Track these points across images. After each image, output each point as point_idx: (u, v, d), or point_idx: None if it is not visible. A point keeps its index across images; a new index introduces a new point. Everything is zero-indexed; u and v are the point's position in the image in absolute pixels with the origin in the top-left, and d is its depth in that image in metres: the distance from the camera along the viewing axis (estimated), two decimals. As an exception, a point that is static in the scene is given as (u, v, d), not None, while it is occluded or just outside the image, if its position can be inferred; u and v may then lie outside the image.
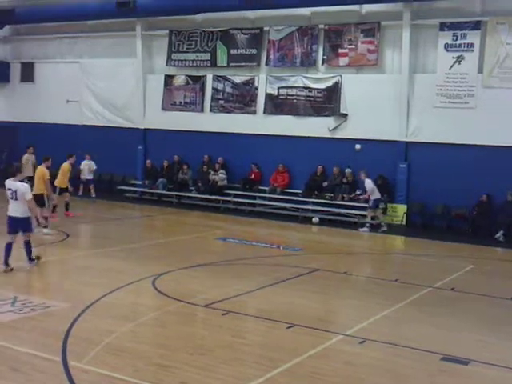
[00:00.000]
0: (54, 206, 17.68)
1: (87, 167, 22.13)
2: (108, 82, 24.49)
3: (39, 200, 15.06)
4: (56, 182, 17.93)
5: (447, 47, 18.90)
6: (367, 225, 18.67)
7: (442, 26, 18.93)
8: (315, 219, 19.40)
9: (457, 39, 18.75)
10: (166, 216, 20.39)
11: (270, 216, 20.40)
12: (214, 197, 21.66)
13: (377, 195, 18.62)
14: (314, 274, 12.64)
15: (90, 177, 22.22)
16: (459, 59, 18.76)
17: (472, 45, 18.56)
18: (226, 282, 11.50)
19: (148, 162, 23.34)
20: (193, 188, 22.33)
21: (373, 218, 18.90)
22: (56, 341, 7.93)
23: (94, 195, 21.79)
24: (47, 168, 16.35)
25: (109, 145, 24.15)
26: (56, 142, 23.53)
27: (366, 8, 20.06)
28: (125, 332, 8.49)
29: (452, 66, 18.84)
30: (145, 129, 24.16)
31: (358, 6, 20.03)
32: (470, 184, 18.30)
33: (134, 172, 23.95)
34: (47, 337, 8.17)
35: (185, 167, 22.64)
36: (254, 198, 21.45)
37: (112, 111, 24.66)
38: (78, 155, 20.88)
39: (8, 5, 25.24)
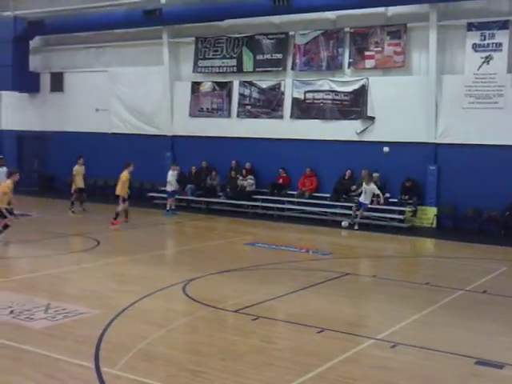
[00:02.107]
0: (118, 214, 18.22)
1: (173, 178, 21.32)
2: (136, 90, 24.74)
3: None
4: (116, 191, 18.49)
5: (475, 47, 18.71)
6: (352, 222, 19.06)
7: (470, 27, 18.75)
8: (344, 223, 19.30)
9: (485, 39, 18.55)
10: (195, 222, 20.49)
11: (298, 220, 20.38)
12: (242, 202, 21.71)
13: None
14: (344, 278, 12.59)
15: (174, 188, 21.37)
16: (488, 59, 18.56)
17: (500, 44, 18.34)
18: (255, 287, 11.52)
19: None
20: (221, 194, 22.42)
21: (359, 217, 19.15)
22: (89, 347, 8.02)
23: (173, 207, 21.28)
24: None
25: (137, 152, 24.32)
26: (86, 150, 23.75)
27: (392, 10, 19.96)
28: (156, 338, 8.55)
29: (480, 67, 18.64)
30: (172, 135, 24.34)
31: (383, 8, 19.97)
32: (501, 185, 18.06)
33: (162, 179, 24.08)
34: (80, 343, 8.27)
35: (213, 173, 22.74)
36: (283, 202, 21.44)
37: (140, 119, 24.90)
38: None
39: (37, 16, 25.78)
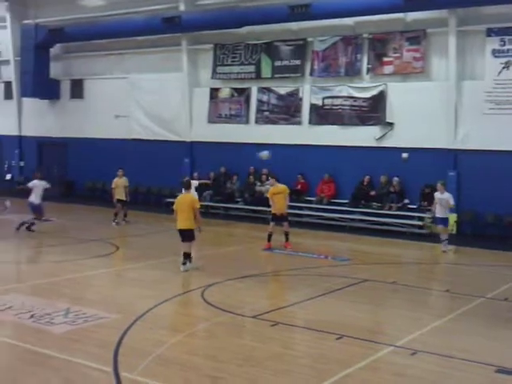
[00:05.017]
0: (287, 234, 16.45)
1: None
2: (155, 97, 24.88)
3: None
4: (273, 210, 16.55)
5: (495, 53, 18.57)
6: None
7: (489, 32, 18.63)
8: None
9: (504, 44, 18.42)
10: (214, 228, 20.44)
11: (317, 226, 20.33)
12: (260, 208, 21.69)
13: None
14: (363, 284, 12.53)
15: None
16: (507, 65, 18.42)
17: (520, 49, 18.21)
18: (274, 293, 11.51)
19: (195, 174, 23.53)
20: (239, 199, 22.44)
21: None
22: (108, 352, 8.06)
23: None
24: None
25: (156, 158, 24.53)
26: (105, 156, 23.98)
27: (411, 16, 19.88)
28: (175, 343, 8.57)
29: (500, 72, 18.50)
30: (191, 141, 24.43)
31: (402, 14, 19.91)
32: (521, 191, 17.89)
33: (181, 184, 24.08)
34: (99, 348, 8.31)
35: (234, 178, 22.80)
36: (301, 208, 21.41)
37: (159, 125, 25.03)
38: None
39: (58, 24, 26.07)
